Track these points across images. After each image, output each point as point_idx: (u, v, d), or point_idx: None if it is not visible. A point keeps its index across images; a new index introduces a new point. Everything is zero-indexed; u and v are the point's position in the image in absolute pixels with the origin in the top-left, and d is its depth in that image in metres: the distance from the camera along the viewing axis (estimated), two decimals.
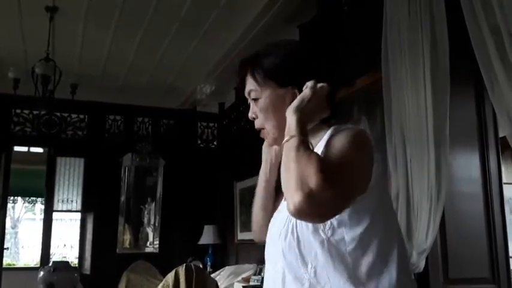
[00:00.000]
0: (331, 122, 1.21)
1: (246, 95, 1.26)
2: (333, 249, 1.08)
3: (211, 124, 7.02)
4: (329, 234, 1.08)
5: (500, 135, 3.06)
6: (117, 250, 6.26)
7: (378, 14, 3.10)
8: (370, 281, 1.07)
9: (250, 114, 1.26)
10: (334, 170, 1.00)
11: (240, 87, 1.29)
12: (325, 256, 1.08)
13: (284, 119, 1.13)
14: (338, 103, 1.26)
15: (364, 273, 1.08)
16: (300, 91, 1.16)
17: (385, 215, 1.15)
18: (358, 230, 1.08)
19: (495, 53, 2.40)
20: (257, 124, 1.25)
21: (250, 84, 1.24)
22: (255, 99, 1.24)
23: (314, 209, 0.97)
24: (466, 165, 3.05)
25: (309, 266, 1.09)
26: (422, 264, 2.72)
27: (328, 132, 1.16)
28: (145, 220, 6.54)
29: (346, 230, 1.08)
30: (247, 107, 4.82)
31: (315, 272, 1.08)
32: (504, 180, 3.20)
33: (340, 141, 1.07)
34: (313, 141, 1.16)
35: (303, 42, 1.32)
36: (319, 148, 1.14)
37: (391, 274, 1.09)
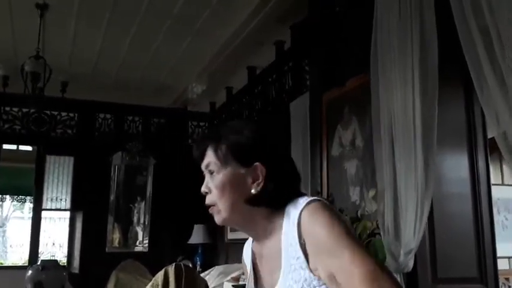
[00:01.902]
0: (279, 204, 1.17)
1: (203, 167, 1.23)
2: None
3: (202, 123, 7.01)
4: None
5: (489, 136, 3.08)
6: (107, 249, 6.23)
7: (369, 15, 3.11)
8: None
9: (203, 189, 1.21)
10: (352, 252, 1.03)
11: (197, 158, 1.25)
12: None
13: (239, 201, 1.15)
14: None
15: None
16: (267, 167, 1.16)
17: None
18: None
19: (484, 54, 2.41)
20: (208, 200, 1.20)
21: (210, 158, 1.21)
22: (212, 173, 1.20)
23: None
24: (455, 166, 3.06)
25: None
26: (410, 264, 2.73)
27: (293, 224, 1.11)
28: (135, 219, 6.51)
29: None
30: (239, 107, 4.85)
31: None
32: (492, 181, 3.22)
33: (325, 230, 1.06)
34: (273, 228, 1.16)
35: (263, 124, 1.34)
36: (289, 246, 1.11)
37: None
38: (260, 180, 1.16)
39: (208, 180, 1.21)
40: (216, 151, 1.19)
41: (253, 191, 1.16)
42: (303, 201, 1.12)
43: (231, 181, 1.17)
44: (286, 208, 1.15)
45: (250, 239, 1.32)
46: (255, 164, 1.16)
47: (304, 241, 1.09)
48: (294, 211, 1.11)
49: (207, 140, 1.23)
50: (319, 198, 1.13)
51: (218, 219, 1.20)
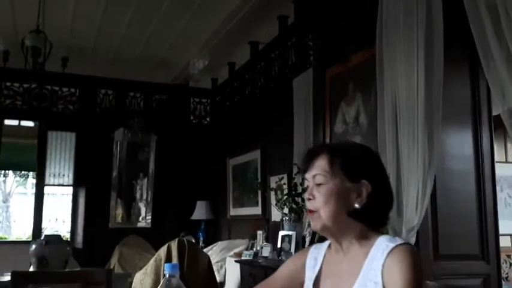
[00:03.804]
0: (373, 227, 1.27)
1: (309, 177, 1.29)
2: None
3: (203, 100, 6.98)
4: None
5: (494, 113, 3.07)
6: (110, 225, 6.27)
7: None
8: None
9: (308, 196, 1.29)
10: None
11: (305, 167, 1.32)
12: None
13: (341, 212, 1.23)
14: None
15: None
16: (372, 185, 1.24)
17: None
18: None
19: (492, 30, 2.40)
20: (311, 205, 1.27)
21: (319, 169, 1.27)
22: (319, 185, 1.27)
23: None
24: (459, 143, 3.06)
25: None
26: (412, 240, 2.75)
27: (383, 254, 1.19)
28: (138, 195, 6.54)
29: None
30: (241, 83, 4.80)
31: None
32: (496, 158, 3.21)
33: (401, 279, 1.13)
34: (359, 248, 1.24)
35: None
36: (372, 269, 1.18)
37: None
38: (364, 196, 1.24)
39: (313, 188, 1.28)
40: (330, 163, 1.26)
41: (356, 205, 1.24)
42: (400, 239, 1.21)
43: (338, 191, 1.25)
44: (379, 237, 1.24)
45: (320, 248, 1.38)
46: (362, 181, 1.25)
47: (384, 272, 1.17)
48: (388, 243, 1.20)
49: (320, 151, 1.30)
50: (412, 244, 1.23)
51: (317, 224, 1.27)
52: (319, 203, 1.25)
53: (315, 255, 1.37)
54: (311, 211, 1.27)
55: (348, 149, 1.34)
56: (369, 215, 1.25)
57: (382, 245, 1.20)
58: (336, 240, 1.29)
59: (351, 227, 1.25)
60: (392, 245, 1.18)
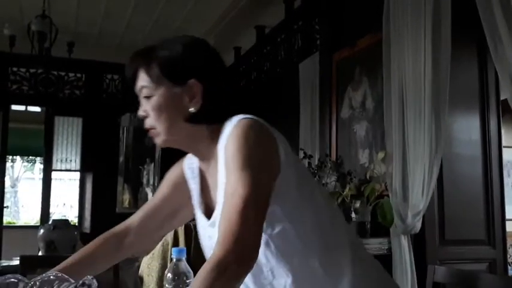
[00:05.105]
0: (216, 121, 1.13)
1: (137, 91, 1.16)
2: (279, 243, 1.05)
3: None
4: (269, 231, 1.05)
5: (502, 98, 3.05)
6: (117, 209, 6.32)
7: None
8: (327, 255, 1.08)
9: (141, 112, 1.15)
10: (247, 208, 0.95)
11: (130, 81, 1.17)
12: (275, 254, 1.06)
13: (177, 121, 1.11)
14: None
15: (317, 251, 1.07)
16: (203, 83, 1.10)
17: (307, 184, 1.12)
18: (293, 212, 1.06)
19: (500, 13, 2.37)
20: (147, 123, 1.14)
21: (143, 80, 1.13)
22: (147, 97, 1.13)
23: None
24: (466, 128, 3.05)
25: (264, 270, 1.07)
26: (418, 225, 2.76)
27: (224, 139, 1.06)
28: (145, 180, 6.57)
29: (282, 218, 1.05)
30: (247, 68, 4.77)
31: (272, 273, 1.07)
32: (504, 143, 3.20)
33: (232, 165, 1.00)
34: (216, 146, 1.11)
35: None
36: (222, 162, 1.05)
37: (343, 245, 1.11)
38: (197, 98, 1.11)
39: (145, 103, 1.15)
40: (147, 72, 1.12)
41: (191, 109, 1.11)
42: (237, 118, 1.07)
43: (167, 102, 1.11)
44: (224, 126, 1.10)
45: (193, 158, 1.27)
46: (190, 81, 1.11)
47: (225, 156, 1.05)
48: (228, 128, 1.07)
49: (138, 60, 1.15)
50: (254, 117, 1.07)
51: (158, 141, 1.15)
52: (152, 119, 1.13)
53: (190, 165, 1.27)
54: (149, 129, 1.15)
55: (165, 48, 1.14)
56: (210, 114, 1.12)
57: (225, 131, 1.07)
58: (192, 150, 1.19)
59: (197, 132, 1.13)
60: (229, 129, 1.05)
